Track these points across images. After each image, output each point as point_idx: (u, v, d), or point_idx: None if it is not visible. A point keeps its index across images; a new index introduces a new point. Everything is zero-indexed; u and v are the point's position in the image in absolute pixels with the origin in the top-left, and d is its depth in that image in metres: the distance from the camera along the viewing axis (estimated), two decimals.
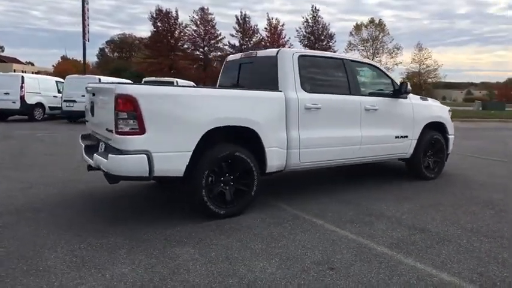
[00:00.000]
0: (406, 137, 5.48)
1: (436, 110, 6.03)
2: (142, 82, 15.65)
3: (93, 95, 4.03)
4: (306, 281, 2.69)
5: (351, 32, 54.48)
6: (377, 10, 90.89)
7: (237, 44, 50.76)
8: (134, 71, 48.05)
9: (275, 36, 52.39)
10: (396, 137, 5.36)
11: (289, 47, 53.16)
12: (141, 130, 3.41)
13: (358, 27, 53.62)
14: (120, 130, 3.40)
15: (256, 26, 51.20)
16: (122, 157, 3.39)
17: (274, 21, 50.93)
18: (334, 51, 54.14)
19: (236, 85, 5.13)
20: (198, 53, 51.33)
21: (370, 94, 5.24)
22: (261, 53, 4.82)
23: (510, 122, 22.11)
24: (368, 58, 54.52)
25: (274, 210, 4.21)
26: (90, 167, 4.09)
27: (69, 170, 6.10)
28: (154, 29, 48.95)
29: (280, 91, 4.29)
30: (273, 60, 4.48)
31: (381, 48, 53.41)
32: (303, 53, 4.62)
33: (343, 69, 4.92)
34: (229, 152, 3.86)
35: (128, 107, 3.38)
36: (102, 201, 4.54)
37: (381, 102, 5.15)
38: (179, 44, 50.23)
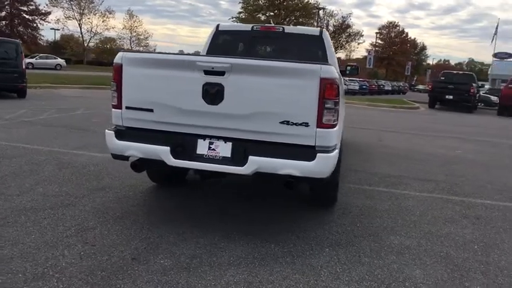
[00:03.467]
0: None
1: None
2: None
3: (221, 74, 2.72)
4: (495, 231, 3.43)
5: None
6: None
7: None
8: None
9: None
10: None
11: None
12: (337, 121, 2.87)
13: None
14: (326, 122, 2.73)
15: None
16: (329, 155, 2.76)
17: None
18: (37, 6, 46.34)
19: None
20: None
21: None
22: (292, 29, 4.53)
23: None
24: (76, 19, 49.89)
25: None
26: (205, 173, 2.95)
27: None
28: None
29: None
30: (316, 39, 4.40)
31: (89, 9, 50.04)
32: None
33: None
34: None
35: (334, 94, 2.76)
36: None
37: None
38: None
